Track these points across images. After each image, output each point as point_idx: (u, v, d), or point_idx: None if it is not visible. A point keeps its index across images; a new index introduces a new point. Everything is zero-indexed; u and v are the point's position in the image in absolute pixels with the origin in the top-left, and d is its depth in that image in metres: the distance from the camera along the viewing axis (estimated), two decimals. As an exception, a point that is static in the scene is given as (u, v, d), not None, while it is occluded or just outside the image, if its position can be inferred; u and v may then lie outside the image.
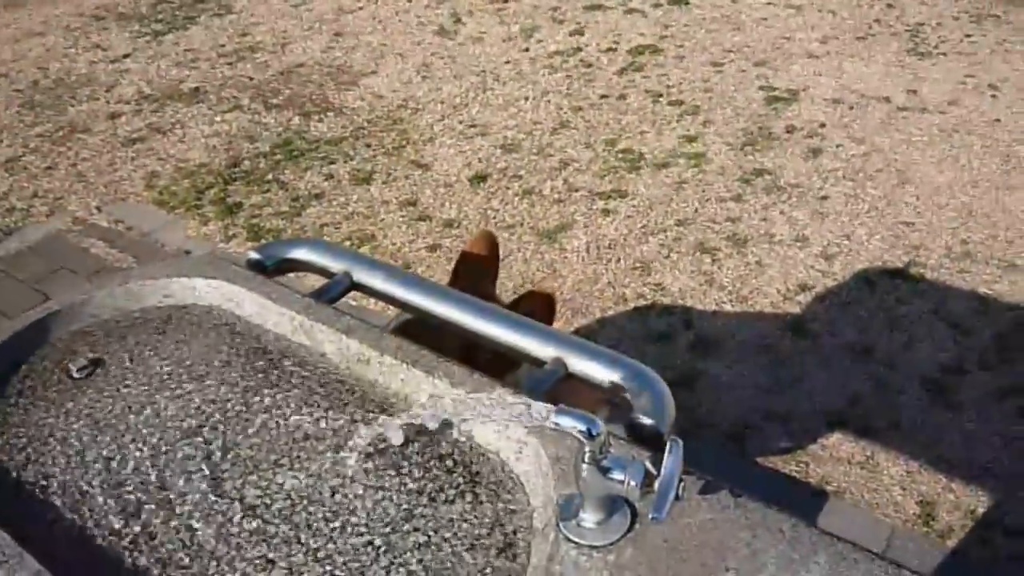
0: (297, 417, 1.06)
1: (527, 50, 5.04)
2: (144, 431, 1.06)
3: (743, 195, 3.56)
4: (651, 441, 1.02)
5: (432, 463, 1.00)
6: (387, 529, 0.92)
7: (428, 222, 3.57)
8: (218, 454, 1.02)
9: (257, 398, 1.09)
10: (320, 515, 0.94)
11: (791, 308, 2.96)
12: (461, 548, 0.90)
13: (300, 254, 1.38)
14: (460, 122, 4.32)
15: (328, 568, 0.88)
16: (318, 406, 1.08)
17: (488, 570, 0.87)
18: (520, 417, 0.83)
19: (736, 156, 3.83)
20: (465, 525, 0.92)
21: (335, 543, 0.91)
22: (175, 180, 4.06)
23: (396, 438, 0.96)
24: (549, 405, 0.83)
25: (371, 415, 1.03)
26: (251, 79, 5.00)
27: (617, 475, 0.82)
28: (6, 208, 3.95)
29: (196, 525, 0.93)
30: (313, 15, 5.81)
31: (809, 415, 2.57)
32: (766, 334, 2.87)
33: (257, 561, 0.90)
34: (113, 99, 4.87)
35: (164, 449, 1.03)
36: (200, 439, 1.05)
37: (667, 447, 0.81)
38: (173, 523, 0.94)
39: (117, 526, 0.94)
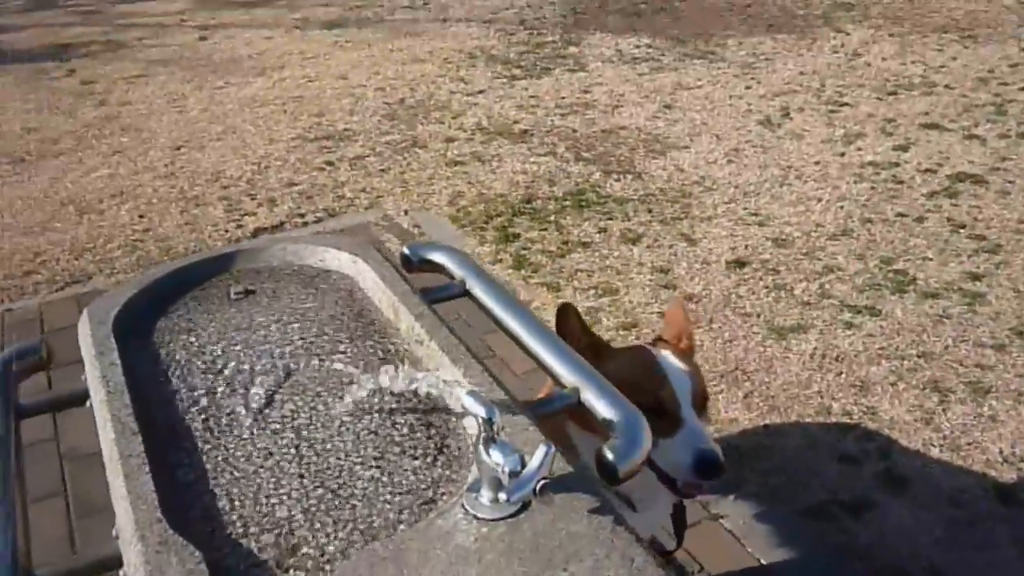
0: (349, 367, 1.32)
1: (842, 155, 4.97)
2: (252, 346, 1.38)
3: (1008, 346, 3.27)
4: (607, 476, 1.14)
5: (416, 423, 1.21)
6: (360, 456, 1.14)
7: (671, 291, 3.71)
8: (283, 375, 1.32)
9: (331, 345, 1.38)
10: (319, 436, 1.19)
11: (1007, 473, 2.70)
12: (399, 493, 1.10)
13: (436, 257, 1.65)
14: (744, 209, 4.40)
15: (306, 464, 1.13)
16: (370, 362, 1.34)
17: (407, 515, 1.06)
18: (446, 394, 1.01)
19: (1020, 305, 3.52)
20: (413, 478, 1.12)
21: (319, 456, 1.16)
22: (473, 203, 4.58)
23: (384, 382, 1.16)
24: (471, 390, 1.01)
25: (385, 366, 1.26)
26: (574, 131, 5.46)
27: (497, 458, 0.97)
28: (339, 195, 4.72)
29: (250, 411, 1.23)
30: (653, 86, 6.18)
31: (977, 586, 2.35)
32: (965, 489, 2.65)
33: (263, 448, 1.17)
34: (455, 126, 5.58)
35: (258, 361, 1.35)
36: (282, 361, 1.35)
37: (538, 450, 0.95)
38: (239, 405, 1.24)
39: (222, 399, 1.26)
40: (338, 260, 1.60)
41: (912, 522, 2.55)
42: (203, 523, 1.07)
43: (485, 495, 1.02)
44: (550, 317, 3.56)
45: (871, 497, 2.64)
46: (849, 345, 3.31)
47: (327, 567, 0.99)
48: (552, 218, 4.39)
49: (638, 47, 7.05)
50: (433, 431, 1.21)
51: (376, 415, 1.24)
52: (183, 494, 1.12)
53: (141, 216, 4.53)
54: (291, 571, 1.00)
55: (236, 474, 1.15)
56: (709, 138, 5.28)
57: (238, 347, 1.40)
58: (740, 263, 3.89)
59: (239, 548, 1.03)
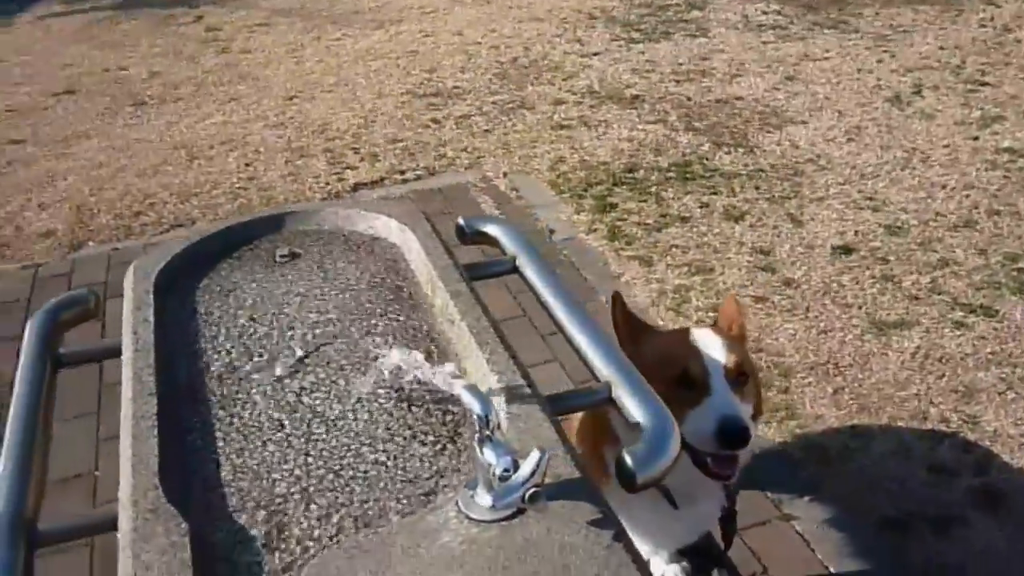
0: (376, 345, 1.28)
1: (975, 139, 4.61)
2: (287, 313, 1.36)
3: None
4: (625, 483, 1.06)
5: (434, 408, 1.16)
6: (369, 437, 1.11)
7: (769, 274, 3.53)
8: (311, 346, 1.29)
9: (364, 318, 1.34)
10: (334, 412, 1.16)
11: (1121, 502, 2.46)
12: (400, 480, 1.05)
13: (490, 230, 1.59)
14: (859, 192, 4.14)
15: (314, 441, 1.10)
16: (399, 339, 1.29)
17: (403, 505, 1.01)
18: (446, 386, 0.96)
19: None
20: (418, 465, 1.08)
21: (328, 433, 1.12)
22: (574, 169, 4.48)
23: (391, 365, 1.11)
24: (470, 384, 0.95)
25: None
26: (688, 99, 5.26)
27: (490, 458, 0.91)
28: (441, 154, 4.70)
29: (271, 381, 1.21)
30: (777, 55, 5.88)
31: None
32: (1069, 516, 2.43)
33: (276, 420, 1.14)
34: (565, 88, 5.46)
35: (289, 329, 1.32)
36: (312, 331, 1.32)
37: (531, 455, 0.89)
38: (261, 374, 1.22)
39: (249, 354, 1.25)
40: (387, 228, 1.56)
41: (1005, 545, 2.35)
42: (201, 493, 1.06)
43: (480, 495, 0.96)
44: (637, 292, 3.47)
45: (961, 514, 2.45)
46: (956, 347, 3.08)
47: (310, 552, 0.96)
48: (653, 189, 4.24)
49: (766, 13, 6.71)
50: (449, 418, 1.16)
51: (395, 395, 1.19)
52: (188, 460, 1.11)
53: (247, 164, 4.64)
54: (275, 553, 0.97)
55: (244, 444, 1.13)
56: (830, 114, 4.99)
57: (273, 313, 1.38)
58: (847, 249, 3.67)
59: (230, 523, 1.01)
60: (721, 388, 1.45)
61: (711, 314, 3.31)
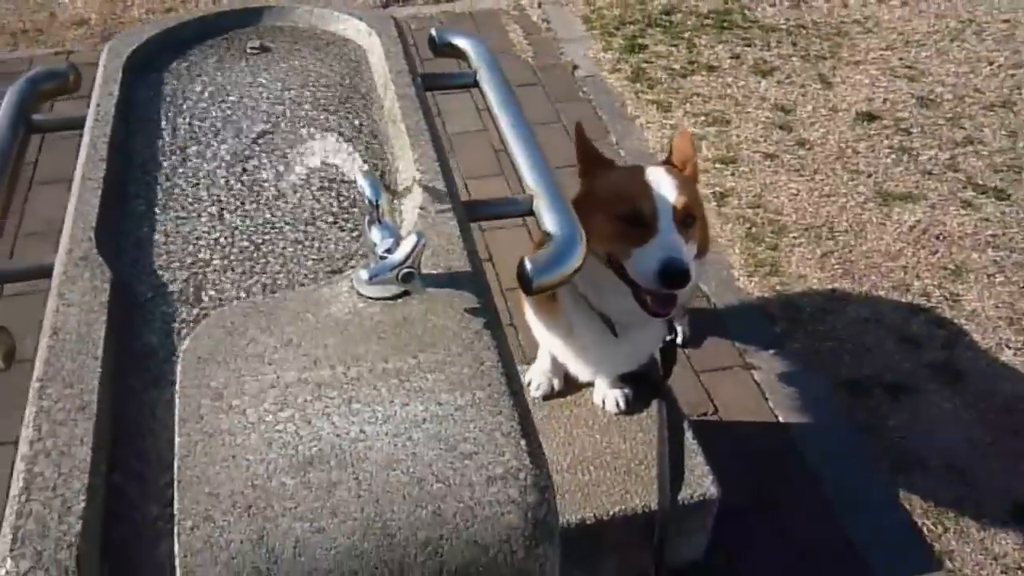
0: (318, 134, 1.34)
1: (1039, 16, 4.38)
2: (246, 100, 1.42)
3: None
4: (522, 286, 1.14)
5: (359, 199, 1.23)
6: (293, 218, 1.19)
7: (785, 132, 3.49)
8: (261, 132, 1.35)
9: (316, 112, 1.39)
10: (268, 194, 1.24)
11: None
12: (312, 258, 1.14)
13: (459, 42, 1.60)
14: (900, 59, 4.00)
15: (244, 216, 1.18)
16: (343, 133, 1.35)
17: (310, 279, 1.10)
18: (348, 171, 1.02)
19: None
20: (332, 247, 1.16)
21: (258, 211, 1.21)
22: (610, 5, 4.36)
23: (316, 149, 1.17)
24: (367, 170, 1.01)
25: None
26: (744, -55, 5.00)
27: (375, 238, 0.99)
28: (478, -23, 4.58)
29: (218, 160, 1.29)
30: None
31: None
32: None
33: (214, 195, 1.23)
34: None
35: (245, 116, 1.39)
36: (266, 119, 1.38)
37: (408, 238, 0.96)
38: (210, 153, 1.30)
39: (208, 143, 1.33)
40: (356, 30, 1.59)
41: (951, 418, 2.43)
42: (132, 250, 1.16)
43: (363, 273, 1.04)
44: (649, 136, 3.46)
45: (918, 384, 2.52)
46: (958, 225, 3.06)
47: (217, 309, 1.06)
48: (687, 35, 4.14)
49: None
50: (371, 207, 1.22)
51: (328, 183, 1.26)
52: (126, 222, 1.20)
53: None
54: (188, 307, 1.07)
55: (180, 214, 1.22)
56: (891, -26, 4.73)
57: (233, 98, 1.44)
58: (871, 116, 3.59)
59: (153, 278, 1.11)
60: (667, 228, 1.47)
61: (717, 165, 3.30)
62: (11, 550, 0.79)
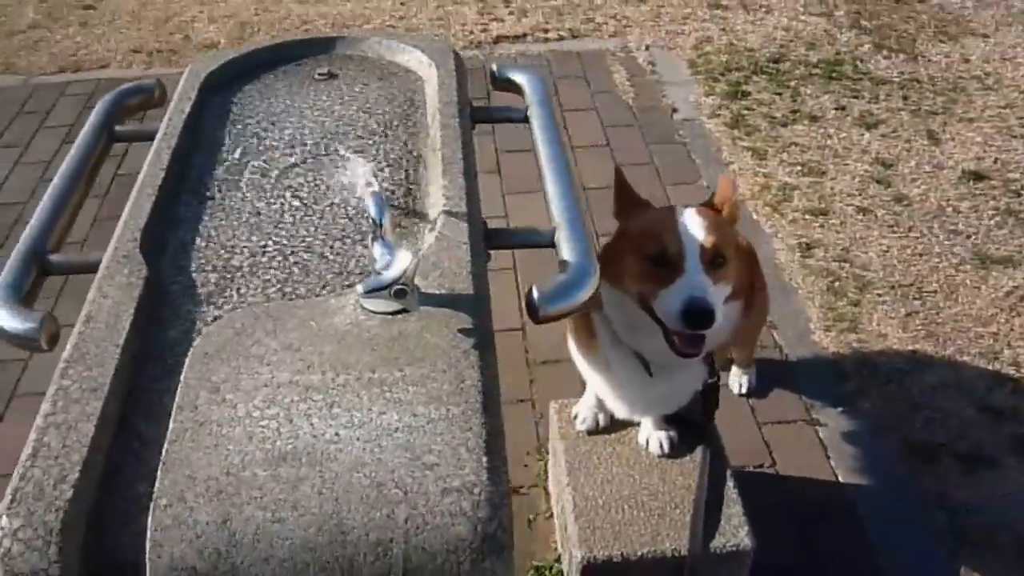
0: (367, 153, 1.43)
1: None
2: (305, 121, 1.52)
3: None
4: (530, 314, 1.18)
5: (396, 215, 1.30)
6: (325, 233, 1.27)
7: (883, 187, 3.39)
8: (312, 151, 1.45)
9: (367, 135, 1.48)
10: (306, 210, 1.32)
11: None
12: (332, 272, 1.21)
13: (518, 78, 1.67)
14: (1019, 118, 3.83)
15: (280, 228, 1.27)
16: (387, 158, 1.43)
17: (327, 290, 1.17)
18: (361, 191, 1.09)
19: None
20: (352, 263, 1.23)
21: (293, 225, 1.29)
22: (718, 51, 4.36)
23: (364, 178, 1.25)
24: (376, 191, 1.08)
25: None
26: (865, -6, 4.92)
27: (375, 253, 1.05)
28: (589, 18, 4.68)
29: (266, 175, 1.39)
30: (982, -41, 5.34)
31: None
32: None
33: (257, 207, 1.32)
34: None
35: (301, 134, 1.49)
36: (319, 139, 1.47)
37: (401, 256, 1.01)
38: (259, 167, 1.40)
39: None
40: (419, 61, 1.67)
41: (1027, 493, 2.30)
42: (174, 252, 1.26)
43: (361, 288, 1.10)
44: (742, 183, 3.43)
45: (995, 456, 2.40)
46: (1060, 298, 2.89)
47: (237, 310, 1.14)
48: (793, 83, 4.08)
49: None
50: (375, 225, 1.27)
51: (362, 204, 1.34)
52: (172, 226, 1.30)
53: (402, 3, 4.78)
54: (211, 307, 1.16)
55: (222, 222, 1.31)
56: (1020, 30, 4.55)
57: (293, 119, 1.54)
58: (978, 176, 3.45)
59: (187, 278, 1.21)
60: (693, 269, 1.45)
61: (807, 216, 3.25)
62: (8, 508, 0.88)
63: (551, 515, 2.24)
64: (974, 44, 4.43)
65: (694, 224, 1.50)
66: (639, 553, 1.84)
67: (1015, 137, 3.70)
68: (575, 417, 2.07)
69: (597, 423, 2.07)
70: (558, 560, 2.10)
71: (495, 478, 0.91)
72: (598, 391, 1.90)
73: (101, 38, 4.58)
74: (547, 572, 2.10)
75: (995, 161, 3.55)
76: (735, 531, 1.87)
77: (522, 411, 2.53)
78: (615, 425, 2.10)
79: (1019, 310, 2.84)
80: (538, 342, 2.72)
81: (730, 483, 1.95)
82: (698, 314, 1.40)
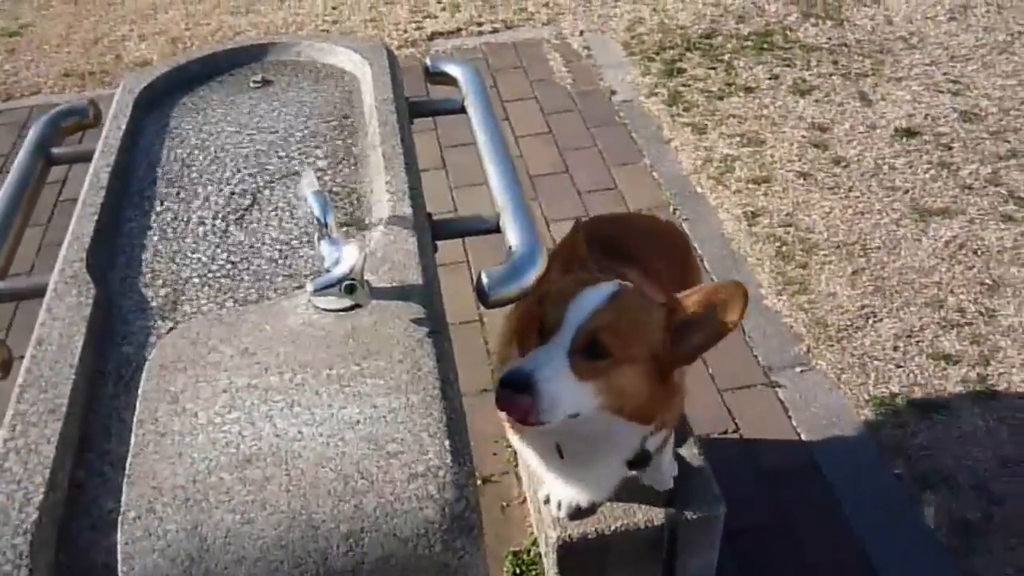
0: (309, 156, 1.43)
1: (1094, 25, 4.25)
2: (244, 130, 1.52)
3: None
4: (480, 298, 1.20)
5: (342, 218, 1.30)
6: (272, 238, 1.27)
7: (821, 151, 3.47)
8: (255, 160, 1.45)
9: (309, 138, 1.48)
10: (254, 216, 1.33)
11: None
12: (283, 275, 1.22)
13: (451, 70, 1.69)
14: (944, 74, 3.93)
15: (227, 236, 1.27)
16: (329, 159, 1.43)
17: (278, 295, 1.18)
18: (304, 191, 1.10)
19: None
20: (302, 264, 1.24)
21: (241, 231, 1.29)
22: (651, 31, 4.41)
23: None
24: (318, 190, 1.09)
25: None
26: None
27: (322, 251, 1.06)
28: (522, 7, 4.70)
29: (212, 185, 1.38)
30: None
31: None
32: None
33: (201, 217, 1.32)
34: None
35: (242, 144, 1.48)
36: (260, 147, 1.47)
37: (349, 252, 1.02)
38: (203, 180, 1.40)
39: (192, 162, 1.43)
40: (352, 61, 1.68)
41: (983, 436, 2.38)
42: (122, 269, 1.25)
43: (319, 283, 1.10)
44: (683, 159, 3.48)
45: (948, 401, 2.47)
46: (996, 239, 2.99)
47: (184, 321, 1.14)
48: (726, 57, 4.15)
49: None
50: (320, 224, 1.28)
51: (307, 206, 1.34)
52: (119, 243, 1.30)
53: (334, 7, 4.76)
54: (165, 321, 1.16)
55: (169, 235, 1.31)
56: (940, -12, 4.66)
57: (232, 129, 1.54)
58: (911, 132, 3.54)
59: (138, 295, 1.20)
60: (554, 347, 1.22)
61: (750, 185, 3.30)
62: (-26, 536, 0.88)
63: (524, 500, 2.26)
64: (897, 5, 4.54)
65: (591, 302, 1.25)
66: (612, 528, 1.87)
67: (942, 92, 3.80)
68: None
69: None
70: (535, 543, 2.13)
71: (459, 460, 0.93)
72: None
73: (31, 64, 4.49)
74: (524, 556, 2.12)
75: (925, 117, 3.64)
76: (704, 497, 1.91)
77: (486, 400, 2.54)
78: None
79: (959, 258, 2.93)
80: (497, 332, 2.73)
81: (696, 450, 1.99)
82: (512, 380, 1.19)
